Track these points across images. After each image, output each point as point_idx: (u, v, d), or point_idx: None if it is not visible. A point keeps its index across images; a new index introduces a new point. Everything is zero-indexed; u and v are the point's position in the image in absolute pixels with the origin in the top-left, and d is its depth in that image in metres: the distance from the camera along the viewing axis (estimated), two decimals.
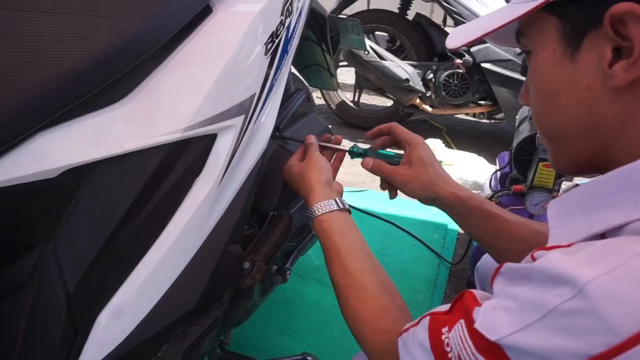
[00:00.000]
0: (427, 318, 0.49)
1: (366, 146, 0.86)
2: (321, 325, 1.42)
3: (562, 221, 0.45)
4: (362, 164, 0.81)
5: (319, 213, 0.72)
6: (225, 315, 0.78)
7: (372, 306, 0.62)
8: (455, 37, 0.55)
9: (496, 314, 0.40)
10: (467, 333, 0.42)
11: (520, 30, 0.49)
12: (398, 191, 0.82)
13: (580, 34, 0.42)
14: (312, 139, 0.84)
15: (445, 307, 0.49)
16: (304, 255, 1.36)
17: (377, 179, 0.83)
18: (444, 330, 0.45)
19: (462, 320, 0.43)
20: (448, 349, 0.44)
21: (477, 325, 0.41)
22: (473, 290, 0.47)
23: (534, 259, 0.40)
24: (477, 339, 0.40)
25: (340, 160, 0.88)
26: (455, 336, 0.43)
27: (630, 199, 0.39)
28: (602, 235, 0.41)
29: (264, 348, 1.32)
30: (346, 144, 0.87)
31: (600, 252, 0.37)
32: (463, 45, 0.55)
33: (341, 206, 0.73)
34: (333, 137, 0.88)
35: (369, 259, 0.68)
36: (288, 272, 0.99)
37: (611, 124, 0.42)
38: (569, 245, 0.40)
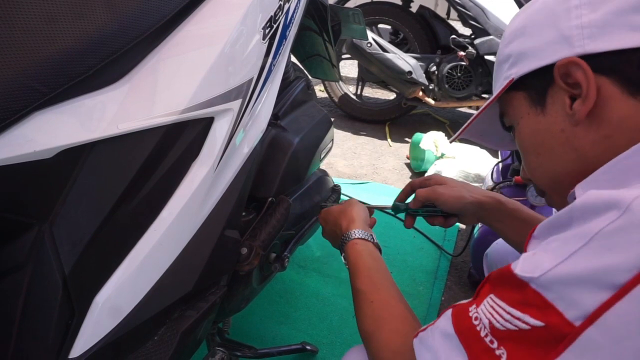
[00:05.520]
0: (450, 310, 0.49)
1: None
2: (321, 316, 1.42)
3: None
4: (411, 205, 0.85)
5: (356, 236, 0.75)
6: (222, 300, 0.78)
7: (394, 311, 0.62)
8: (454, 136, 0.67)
9: (537, 256, 0.40)
10: (499, 298, 0.42)
11: (501, 112, 0.60)
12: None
13: (542, 94, 0.51)
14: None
15: (467, 300, 0.49)
16: (304, 245, 1.36)
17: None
18: (471, 308, 0.45)
19: (491, 295, 0.43)
20: (476, 322, 0.43)
21: (517, 271, 0.41)
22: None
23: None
24: (511, 294, 0.40)
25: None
26: (486, 306, 0.43)
27: None
28: None
29: (264, 337, 1.32)
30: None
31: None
32: (457, 137, 0.67)
33: (376, 241, 0.76)
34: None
35: (394, 284, 0.69)
36: (287, 260, 0.99)
37: (594, 151, 0.48)
38: None
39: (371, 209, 0.88)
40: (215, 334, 1.07)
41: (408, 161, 2.54)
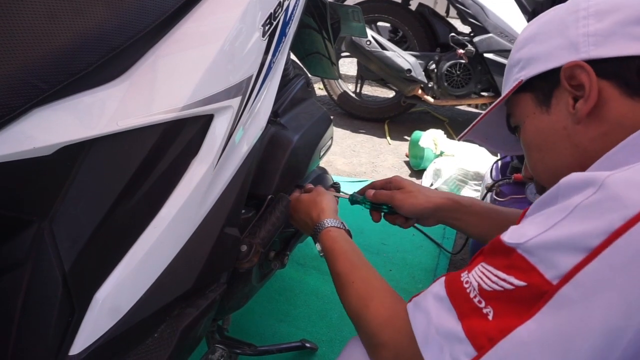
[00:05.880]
0: (443, 277, 0.52)
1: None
2: (320, 313, 1.42)
3: None
4: (367, 195, 0.90)
5: (329, 225, 0.79)
6: (222, 297, 0.78)
7: (375, 286, 0.65)
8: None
9: (523, 227, 0.45)
10: (488, 264, 0.46)
11: (509, 114, 0.64)
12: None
13: (548, 95, 0.56)
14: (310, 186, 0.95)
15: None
16: (304, 243, 1.36)
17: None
18: (463, 274, 0.49)
19: (482, 263, 0.47)
20: (467, 285, 0.47)
21: (505, 239, 0.46)
22: None
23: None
24: (499, 260, 0.45)
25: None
26: (476, 271, 0.47)
27: None
28: None
29: (263, 334, 1.33)
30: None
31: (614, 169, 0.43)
32: (464, 135, 0.70)
33: (347, 228, 0.81)
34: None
35: (370, 264, 0.72)
36: (286, 257, 0.99)
37: (592, 147, 0.52)
38: None
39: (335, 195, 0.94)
40: (214, 331, 1.07)
41: (407, 159, 2.54)
